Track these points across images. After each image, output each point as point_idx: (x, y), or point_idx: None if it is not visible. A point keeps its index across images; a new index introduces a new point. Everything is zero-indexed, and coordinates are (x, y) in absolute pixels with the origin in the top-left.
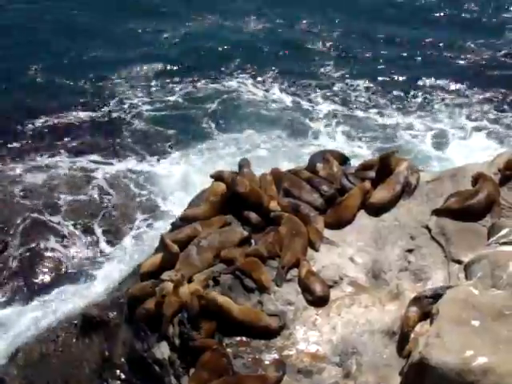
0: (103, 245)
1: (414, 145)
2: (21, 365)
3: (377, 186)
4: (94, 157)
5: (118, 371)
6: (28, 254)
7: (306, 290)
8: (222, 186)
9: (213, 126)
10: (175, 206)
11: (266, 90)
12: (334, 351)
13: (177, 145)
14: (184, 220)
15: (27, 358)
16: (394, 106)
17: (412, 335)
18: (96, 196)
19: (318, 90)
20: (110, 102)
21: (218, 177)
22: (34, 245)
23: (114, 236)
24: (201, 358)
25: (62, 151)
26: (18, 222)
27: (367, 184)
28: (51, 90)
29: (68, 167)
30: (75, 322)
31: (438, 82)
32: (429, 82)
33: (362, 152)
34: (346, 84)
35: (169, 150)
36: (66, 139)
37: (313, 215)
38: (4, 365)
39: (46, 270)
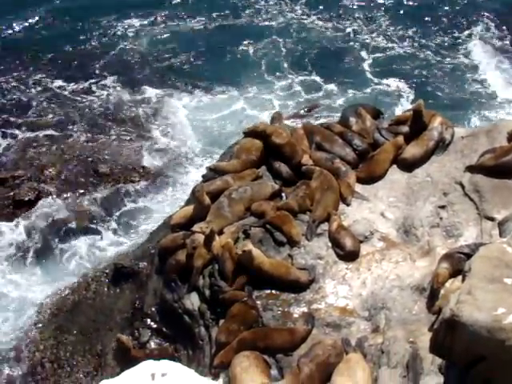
0: (135, 194)
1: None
2: (53, 312)
3: (410, 141)
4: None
5: (148, 320)
6: (62, 201)
7: (336, 244)
8: (255, 144)
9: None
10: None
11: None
12: (363, 306)
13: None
14: (214, 171)
15: (59, 306)
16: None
17: (442, 292)
18: (134, 149)
19: None
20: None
21: (251, 132)
22: (69, 194)
23: (147, 186)
24: (230, 309)
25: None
26: (51, 170)
27: (400, 139)
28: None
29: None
30: (106, 271)
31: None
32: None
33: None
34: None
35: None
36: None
37: (344, 170)
38: (37, 312)
39: (79, 218)
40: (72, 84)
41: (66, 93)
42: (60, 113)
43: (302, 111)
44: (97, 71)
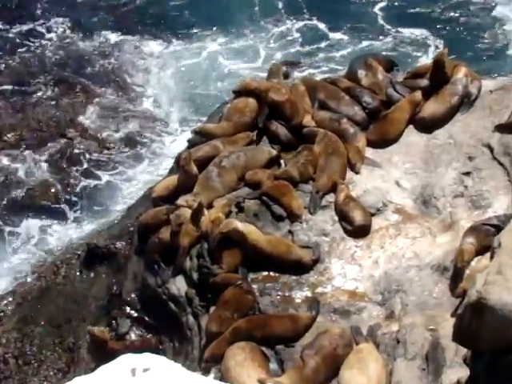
0: (107, 164)
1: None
2: (17, 301)
3: (429, 97)
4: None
5: (128, 308)
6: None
7: (343, 218)
8: (249, 103)
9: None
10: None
11: None
12: (375, 288)
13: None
14: (201, 134)
15: (24, 294)
16: None
17: (467, 271)
18: (105, 110)
19: None
20: None
21: (244, 90)
22: (31, 163)
23: (122, 155)
24: (222, 295)
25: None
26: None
27: (418, 94)
28: None
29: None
30: (78, 252)
31: None
32: None
33: None
34: None
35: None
36: None
37: (353, 131)
38: None
39: (41, 192)
40: (15, 26)
41: (10, 35)
42: (10, 62)
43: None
44: (42, 11)
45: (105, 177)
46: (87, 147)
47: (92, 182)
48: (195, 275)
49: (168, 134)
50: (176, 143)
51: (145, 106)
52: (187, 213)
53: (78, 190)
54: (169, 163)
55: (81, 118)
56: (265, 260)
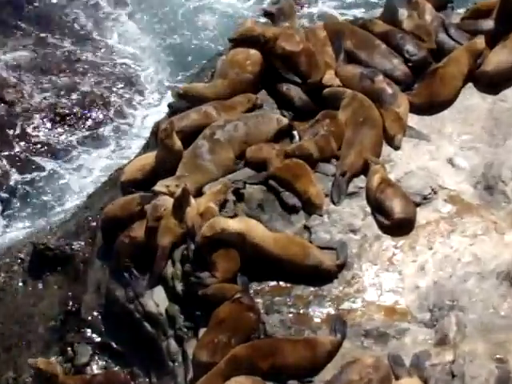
0: (61, 143)
1: None
2: None
3: (495, 45)
4: None
5: (88, 331)
6: None
7: (378, 209)
8: (250, 55)
9: None
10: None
11: None
12: (421, 304)
13: None
14: (186, 97)
15: None
16: None
17: None
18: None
19: None
20: None
21: (244, 38)
22: None
23: (82, 126)
24: (216, 312)
25: None
26: None
27: (480, 41)
28: None
29: None
30: (21, 255)
31: None
32: None
33: None
34: None
35: None
36: None
37: (391, 92)
38: None
39: None
40: None
41: None
42: None
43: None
44: None
45: (52, 163)
46: (31, 118)
47: (40, 165)
48: (179, 286)
49: (140, 103)
50: (151, 116)
51: (110, 64)
52: (168, 202)
53: (19, 175)
54: (141, 143)
55: (25, 77)
56: (272, 266)
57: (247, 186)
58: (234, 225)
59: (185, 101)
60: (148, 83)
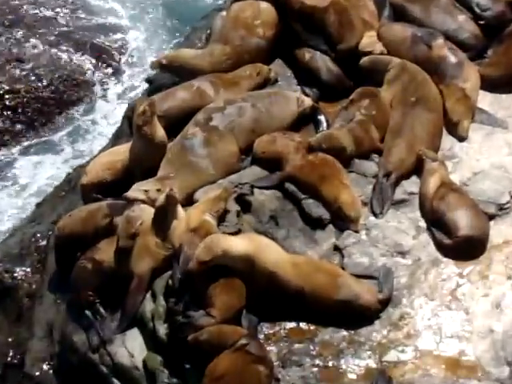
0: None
1: None
2: None
3: None
4: None
5: None
6: None
7: (437, 223)
8: (261, 10)
9: None
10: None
11: None
12: (496, 355)
13: None
14: (170, 68)
15: None
16: None
17: None
18: None
19: None
20: None
21: None
22: None
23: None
24: (212, 365)
25: None
26: None
27: None
28: None
29: None
30: None
31: None
32: None
33: None
34: None
35: None
36: None
37: (455, 61)
38: None
39: None
40: None
41: None
42: None
43: None
44: None
45: None
46: None
47: None
48: (162, 329)
49: (112, 78)
50: (126, 96)
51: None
52: (147, 214)
53: None
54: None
55: None
56: (290, 301)
57: (256, 191)
58: (239, 245)
59: (169, 74)
60: (124, 54)
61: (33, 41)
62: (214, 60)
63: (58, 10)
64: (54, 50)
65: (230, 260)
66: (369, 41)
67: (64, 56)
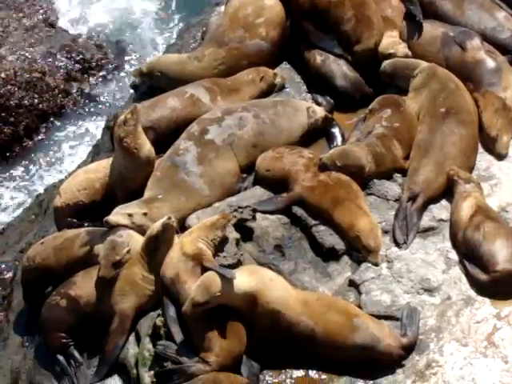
0: None
1: None
2: None
3: None
4: None
5: None
6: None
7: (471, 255)
8: (264, 7)
9: None
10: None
11: None
12: None
13: None
14: (152, 77)
15: None
16: None
17: None
18: None
19: None
20: None
21: None
22: None
23: None
24: None
25: None
26: None
27: None
28: None
29: None
30: None
31: None
32: None
33: None
34: None
35: None
36: None
37: (493, 66)
38: None
39: None
40: None
41: None
42: None
43: None
44: None
45: None
46: None
47: None
48: (147, 377)
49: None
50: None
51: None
52: (134, 240)
53: None
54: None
55: None
56: (298, 345)
57: (258, 215)
58: (239, 283)
59: (155, 80)
60: (109, 54)
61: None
62: (202, 65)
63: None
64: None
65: (230, 300)
66: (390, 41)
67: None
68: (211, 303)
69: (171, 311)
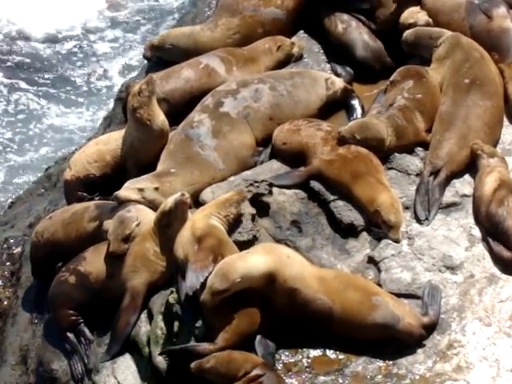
0: None
1: None
2: None
3: None
4: None
5: None
6: None
7: (494, 232)
8: None
9: None
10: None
11: None
12: None
13: None
14: (163, 50)
15: None
16: None
17: None
18: None
19: None
20: None
21: None
22: None
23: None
24: None
25: None
26: None
27: None
28: None
29: None
30: None
31: None
32: None
33: None
34: None
35: None
36: None
37: None
38: None
39: None
40: None
41: None
42: None
43: None
44: None
45: None
46: None
47: None
48: (159, 356)
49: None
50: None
51: None
52: (144, 215)
53: None
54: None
55: None
56: (315, 323)
57: (275, 190)
58: (258, 264)
59: (163, 57)
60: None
61: None
62: (215, 36)
63: None
64: None
65: (250, 284)
66: (410, 11)
67: None
68: (231, 290)
69: (185, 288)
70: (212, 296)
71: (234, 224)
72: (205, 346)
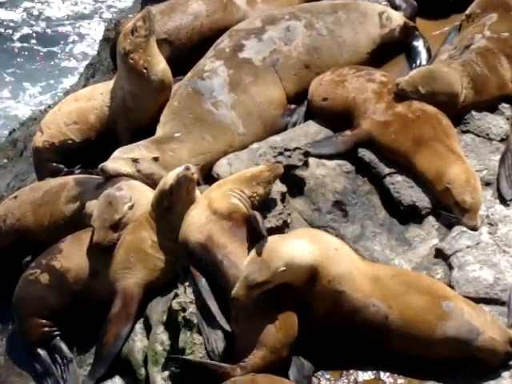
0: None
1: None
2: None
3: None
4: None
5: None
6: None
7: None
8: None
9: None
10: None
11: None
12: None
13: None
14: None
15: None
16: None
17: None
18: None
19: None
20: None
21: None
22: None
23: None
24: None
25: None
26: None
27: None
28: None
29: None
30: None
31: None
32: None
33: None
34: None
35: None
36: None
37: None
38: None
39: None
40: None
41: None
42: None
43: None
44: None
45: None
46: None
47: None
48: (159, 378)
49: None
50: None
51: None
52: (138, 193)
53: None
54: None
55: None
56: (366, 336)
57: (312, 161)
58: (304, 252)
59: None
60: None
61: None
62: None
63: None
64: None
65: (293, 277)
66: None
67: None
68: (272, 282)
69: (203, 283)
70: (248, 290)
71: (258, 208)
72: (229, 369)
